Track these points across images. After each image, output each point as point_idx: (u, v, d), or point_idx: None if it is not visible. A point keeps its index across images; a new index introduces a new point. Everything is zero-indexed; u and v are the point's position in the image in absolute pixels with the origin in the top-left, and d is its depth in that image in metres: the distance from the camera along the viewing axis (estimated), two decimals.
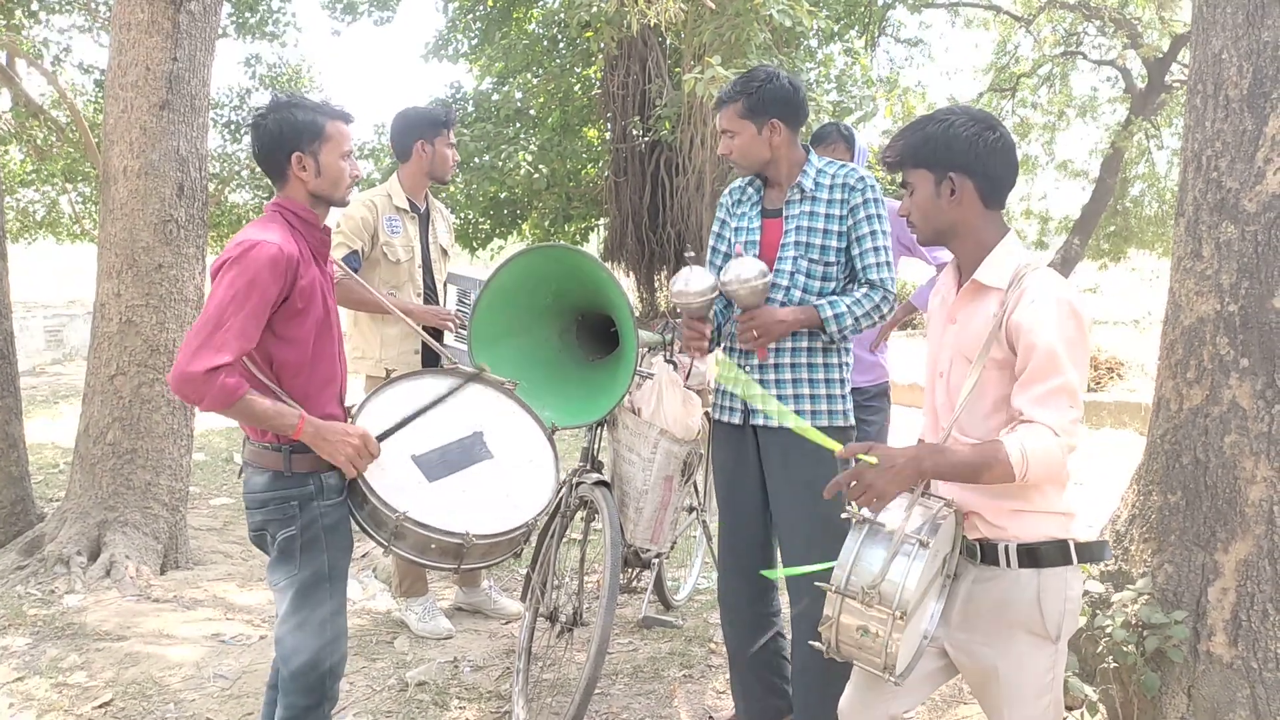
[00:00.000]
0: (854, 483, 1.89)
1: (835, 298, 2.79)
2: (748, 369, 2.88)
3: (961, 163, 1.98)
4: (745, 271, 2.70)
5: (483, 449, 2.52)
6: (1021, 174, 19.73)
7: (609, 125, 17.51)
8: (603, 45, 15.58)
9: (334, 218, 4.10)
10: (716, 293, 2.82)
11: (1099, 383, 10.13)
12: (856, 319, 2.78)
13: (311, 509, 2.30)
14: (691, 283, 2.79)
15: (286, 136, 2.29)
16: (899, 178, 2.11)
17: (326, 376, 2.35)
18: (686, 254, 2.88)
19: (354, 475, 2.29)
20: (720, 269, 2.87)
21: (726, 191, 3.03)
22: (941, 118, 2.00)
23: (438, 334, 3.95)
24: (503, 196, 17.49)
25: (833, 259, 2.81)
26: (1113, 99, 18.13)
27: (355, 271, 3.79)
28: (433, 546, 2.34)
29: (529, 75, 17.97)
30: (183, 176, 4.65)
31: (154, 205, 4.58)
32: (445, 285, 4.08)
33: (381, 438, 2.37)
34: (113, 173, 4.60)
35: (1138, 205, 20.00)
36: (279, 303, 2.21)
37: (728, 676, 3.23)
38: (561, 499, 3.33)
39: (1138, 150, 17.69)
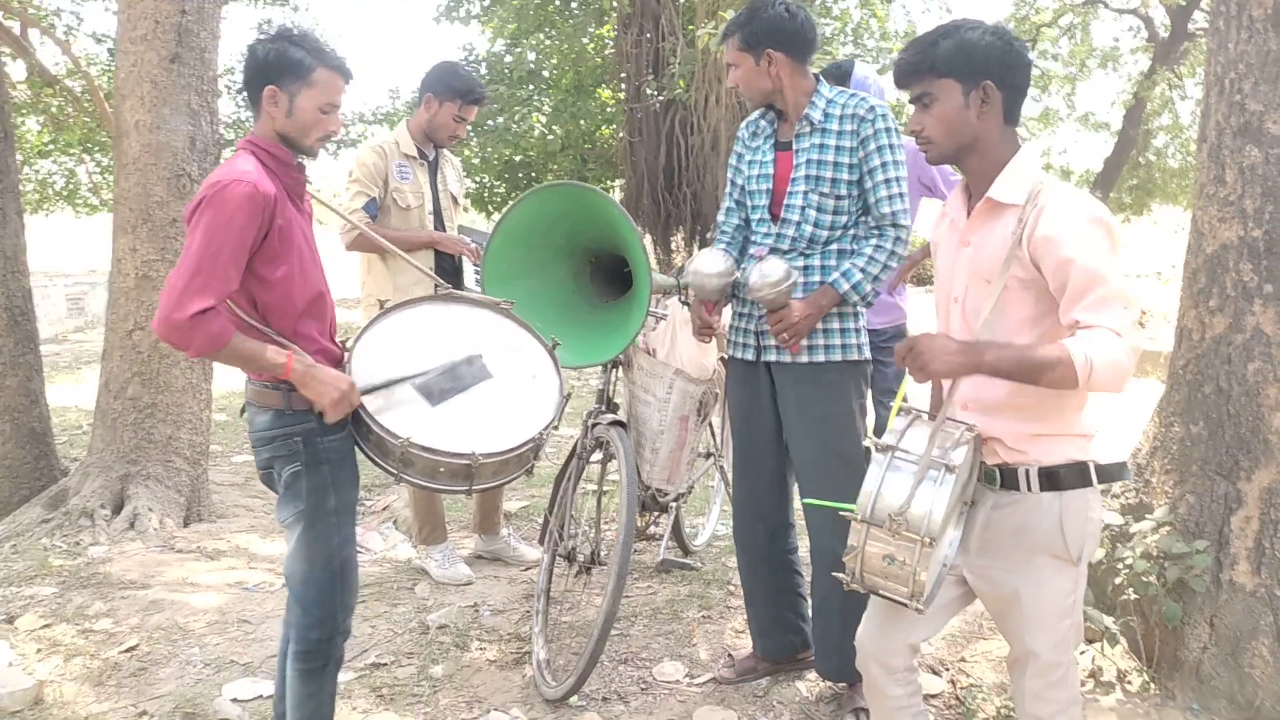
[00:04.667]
0: (911, 349, 1.87)
1: (848, 266, 2.75)
2: (760, 315, 2.85)
3: (995, 72, 1.93)
4: (771, 274, 2.67)
5: (483, 370, 2.51)
6: (1042, 126, 19.42)
7: (623, 85, 17.32)
8: (615, 4, 15.40)
9: (345, 166, 4.11)
10: (732, 276, 2.81)
11: None
12: (875, 278, 2.75)
13: (314, 444, 2.29)
14: (710, 264, 2.80)
15: (270, 67, 2.22)
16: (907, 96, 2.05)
17: (314, 313, 2.32)
18: (709, 235, 2.86)
19: (333, 421, 2.27)
20: (735, 245, 2.89)
21: (743, 125, 2.99)
22: (971, 26, 1.95)
23: (455, 278, 3.93)
24: (517, 159, 17.39)
25: (844, 192, 2.77)
26: (1135, 49, 17.78)
27: (374, 218, 3.78)
28: (441, 470, 2.34)
29: (542, 36, 17.78)
30: (194, 130, 4.64)
31: (166, 159, 4.57)
32: (458, 234, 4.06)
33: (368, 392, 2.33)
34: (125, 128, 4.59)
35: (1160, 157, 19.68)
36: (258, 243, 2.17)
37: (745, 617, 3.23)
38: (577, 441, 3.33)
39: (1160, 101, 17.38)
